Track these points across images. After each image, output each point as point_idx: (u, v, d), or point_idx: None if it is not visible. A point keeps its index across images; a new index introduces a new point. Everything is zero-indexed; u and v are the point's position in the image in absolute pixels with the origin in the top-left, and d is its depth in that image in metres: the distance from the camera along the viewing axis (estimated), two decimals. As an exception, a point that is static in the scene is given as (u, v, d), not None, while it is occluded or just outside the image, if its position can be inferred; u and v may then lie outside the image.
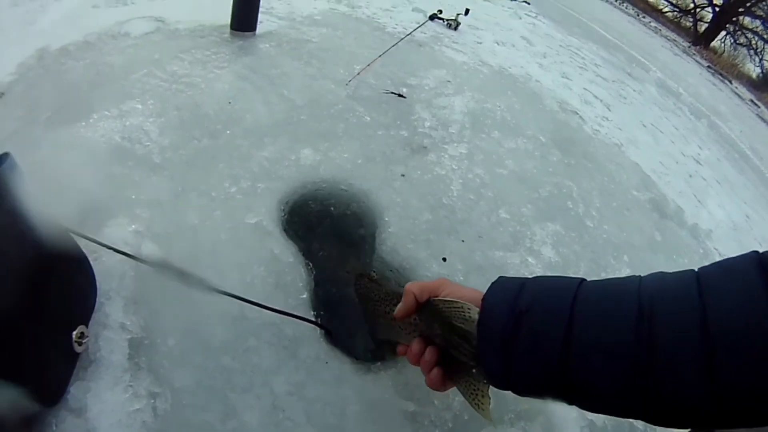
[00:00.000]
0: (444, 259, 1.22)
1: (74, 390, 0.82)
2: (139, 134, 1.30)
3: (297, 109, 1.51)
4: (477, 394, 0.77)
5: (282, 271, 1.09)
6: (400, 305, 0.83)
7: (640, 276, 0.67)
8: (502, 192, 1.51)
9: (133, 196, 1.14)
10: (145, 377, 0.88)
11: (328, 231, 1.20)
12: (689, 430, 0.89)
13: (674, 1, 17.54)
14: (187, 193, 1.19)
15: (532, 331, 0.67)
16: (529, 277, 0.75)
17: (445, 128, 1.66)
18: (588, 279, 0.71)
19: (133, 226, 1.07)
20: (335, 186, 1.29)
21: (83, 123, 1.28)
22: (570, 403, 0.68)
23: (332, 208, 1.24)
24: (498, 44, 3.04)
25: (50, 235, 0.78)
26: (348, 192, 1.29)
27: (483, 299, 0.73)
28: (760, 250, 0.60)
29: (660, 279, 0.65)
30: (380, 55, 1.87)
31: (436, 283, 0.81)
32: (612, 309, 0.63)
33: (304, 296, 1.07)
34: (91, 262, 0.93)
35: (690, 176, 3.01)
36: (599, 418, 1.11)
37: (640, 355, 0.59)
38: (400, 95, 1.71)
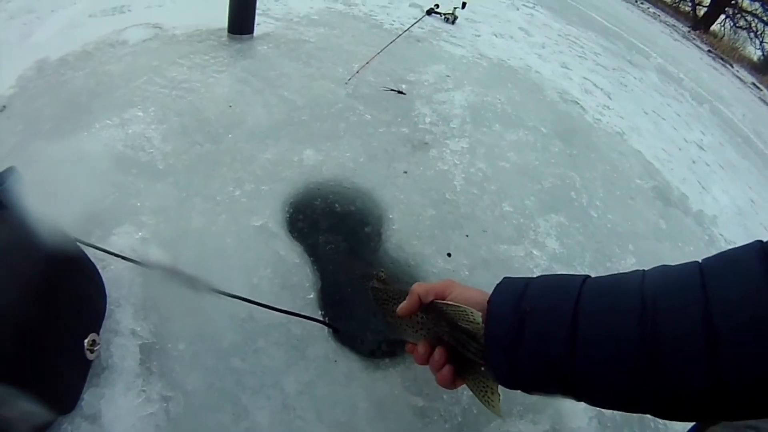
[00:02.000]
0: (449, 255, 1.22)
1: (88, 397, 0.84)
2: (141, 141, 1.31)
3: (297, 110, 1.51)
4: (486, 391, 0.77)
5: (288, 272, 1.10)
6: (403, 303, 0.83)
7: (643, 270, 0.67)
8: (505, 185, 1.51)
9: (138, 204, 1.15)
10: (157, 381, 0.90)
11: (333, 230, 1.21)
12: (694, 423, 0.88)
13: (672, -15, 17.39)
14: (191, 198, 1.20)
15: (537, 332, 0.67)
16: (534, 276, 0.75)
17: (446, 123, 1.66)
18: (594, 270, 0.71)
19: (140, 234, 1.09)
20: (338, 185, 1.30)
21: (85, 133, 1.30)
22: (578, 399, 0.68)
23: (336, 207, 1.25)
24: (496, 36, 3.04)
25: (58, 246, 0.79)
26: (351, 191, 1.29)
27: (489, 301, 0.74)
28: (765, 239, 0.60)
29: (662, 272, 0.65)
30: (378, 53, 1.87)
31: (442, 284, 0.82)
32: (615, 305, 0.63)
33: (311, 296, 1.08)
34: (100, 271, 0.94)
35: (693, 162, 2.99)
36: (607, 410, 1.11)
37: (645, 349, 0.59)
38: (399, 92, 1.71)
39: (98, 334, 0.88)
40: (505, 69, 2.36)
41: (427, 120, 1.63)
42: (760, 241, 0.60)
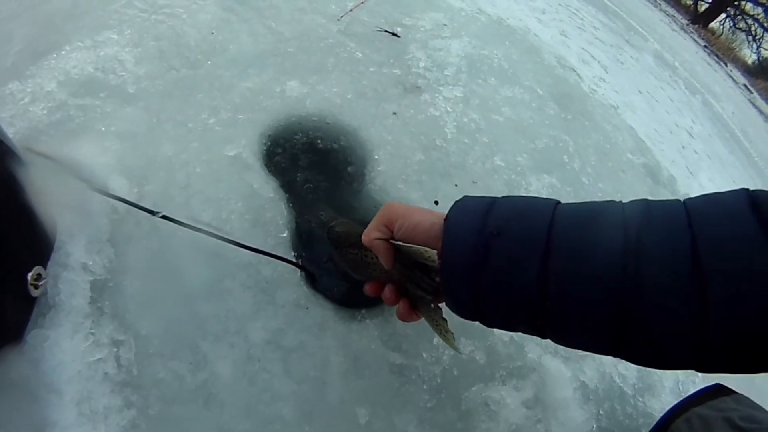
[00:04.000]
0: (436, 202, 1.15)
1: (31, 339, 0.76)
2: (113, 64, 1.20)
3: (285, 42, 1.41)
4: (440, 329, 0.74)
5: (261, 208, 1.02)
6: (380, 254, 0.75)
7: (621, 203, 0.62)
8: (497, 139, 1.44)
9: (103, 128, 1.06)
10: (108, 324, 0.82)
11: (313, 167, 1.12)
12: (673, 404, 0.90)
13: (677, -23, 17.26)
14: (162, 125, 1.11)
15: (505, 258, 0.61)
16: (497, 196, 0.69)
17: (441, 70, 1.57)
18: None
19: (102, 159, 0.99)
20: (322, 121, 1.21)
21: (54, 55, 1.19)
22: (543, 336, 0.64)
23: (318, 143, 1.16)
24: (497, -6, 2.91)
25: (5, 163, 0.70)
26: (336, 127, 1.21)
27: (445, 219, 0.67)
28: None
29: (645, 206, 0.60)
30: (375, -6, 1.76)
31: (385, 214, 0.74)
32: (595, 237, 0.59)
33: (284, 235, 1.01)
34: (53, 197, 0.85)
35: (683, 147, 2.96)
36: (591, 380, 1.07)
37: (627, 286, 0.55)
38: (394, 34, 1.61)
39: (45, 267, 0.79)
40: (503, 27, 2.27)
41: (421, 65, 1.54)
42: (746, 189, 0.57)
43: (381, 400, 0.90)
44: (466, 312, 0.68)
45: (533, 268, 0.59)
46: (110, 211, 0.92)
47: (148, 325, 0.84)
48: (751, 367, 0.55)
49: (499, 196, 0.69)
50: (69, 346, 0.78)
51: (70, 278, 0.83)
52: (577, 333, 0.62)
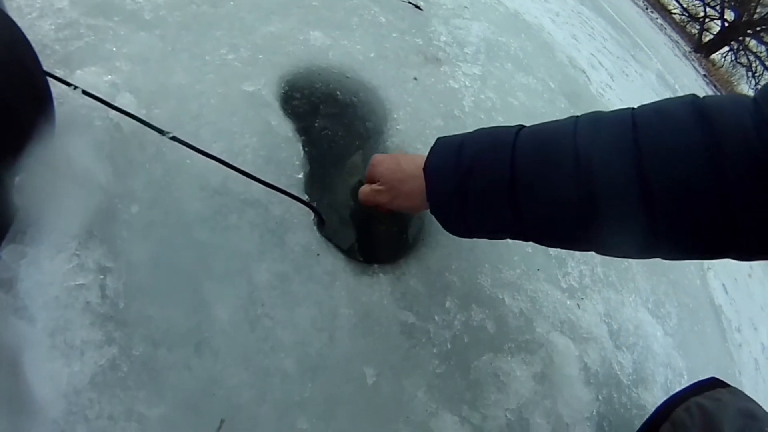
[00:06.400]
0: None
1: (6, 255, 0.66)
2: (130, -11, 1.15)
3: (309, -5, 1.38)
4: None
5: (277, 146, 0.96)
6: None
7: (576, 117, 0.67)
8: (512, 120, 1.39)
9: (114, 49, 0.98)
10: (97, 247, 0.72)
11: (331, 117, 1.09)
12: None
13: (685, 5, 17.48)
14: (177, 54, 1.04)
15: (478, 191, 0.69)
16: (467, 132, 0.77)
17: (461, 47, 1.56)
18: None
19: (110, 77, 0.91)
20: (343, 75, 1.17)
21: None
22: (526, 240, 0.73)
23: (338, 95, 1.13)
24: (515, -11, 2.91)
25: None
26: (356, 83, 1.17)
27: (425, 165, 0.76)
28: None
29: (594, 122, 0.65)
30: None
31: (370, 165, 0.89)
32: (549, 160, 0.64)
33: (300, 176, 0.96)
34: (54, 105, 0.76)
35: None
36: (594, 362, 1.06)
37: (582, 201, 0.61)
38: (417, 7, 1.60)
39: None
40: (520, 21, 2.27)
41: (442, 39, 1.52)
42: (694, 96, 0.60)
43: (390, 361, 0.85)
44: (458, 232, 0.78)
45: (505, 196, 0.67)
46: (113, 129, 0.83)
47: (142, 255, 0.74)
48: (696, 251, 0.62)
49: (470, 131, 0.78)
50: (49, 267, 0.68)
51: (58, 191, 0.73)
52: (551, 241, 0.72)
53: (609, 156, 0.60)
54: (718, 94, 9.93)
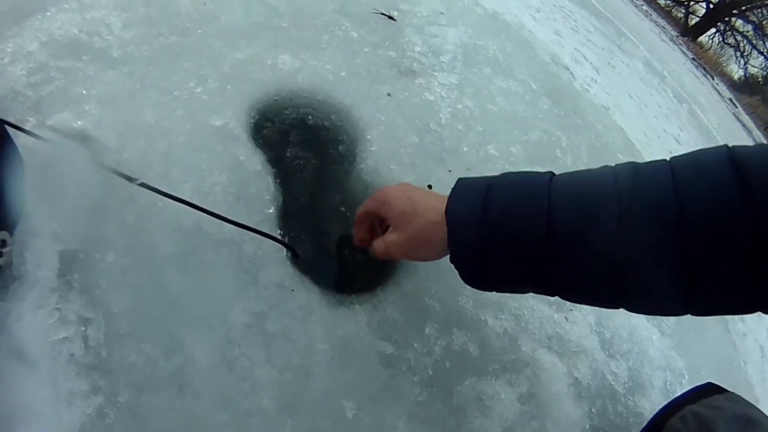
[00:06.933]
0: (430, 186, 1.11)
1: None
2: (99, 27, 1.13)
3: (278, 16, 1.35)
4: None
5: (246, 181, 0.95)
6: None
7: (612, 168, 0.66)
8: (491, 128, 1.41)
9: (84, 92, 0.99)
10: (77, 299, 0.75)
11: (303, 144, 1.07)
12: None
13: (669, -10, 17.49)
14: (145, 90, 1.04)
15: (509, 244, 0.66)
16: (492, 176, 0.73)
17: (436, 56, 1.53)
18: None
19: (80, 122, 0.92)
20: (313, 97, 1.15)
21: (39, 16, 1.11)
22: (552, 296, 0.70)
23: (309, 119, 1.11)
24: (493, -11, 2.89)
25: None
26: (328, 105, 1.15)
27: (446, 211, 0.71)
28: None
29: (633, 172, 0.63)
30: (371, -24, 1.71)
31: (378, 201, 0.81)
32: (590, 214, 0.62)
33: (270, 211, 0.95)
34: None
35: (671, 152, 2.96)
36: (585, 377, 1.04)
37: (624, 258, 0.60)
38: (390, 17, 1.57)
39: (11, 234, 0.71)
40: (499, 21, 2.25)
41: (417, 49, 1.50)
42: (727, 147, 0.60)
43: (369, 393, 0.85)
44: (478, 285, 0.74)
45: (538, 248, 0.63)
46: (83, 175, 0.84)
47: (120, 303, 0.76)
48: (733, 307, 0.61)
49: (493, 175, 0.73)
50: (31, 322, 0.70)
51: (37, 247, 0.76)
52: (581, 297, 0.69)
53: (652, 210, 0.59)
54: (707, 77, 9.97)
